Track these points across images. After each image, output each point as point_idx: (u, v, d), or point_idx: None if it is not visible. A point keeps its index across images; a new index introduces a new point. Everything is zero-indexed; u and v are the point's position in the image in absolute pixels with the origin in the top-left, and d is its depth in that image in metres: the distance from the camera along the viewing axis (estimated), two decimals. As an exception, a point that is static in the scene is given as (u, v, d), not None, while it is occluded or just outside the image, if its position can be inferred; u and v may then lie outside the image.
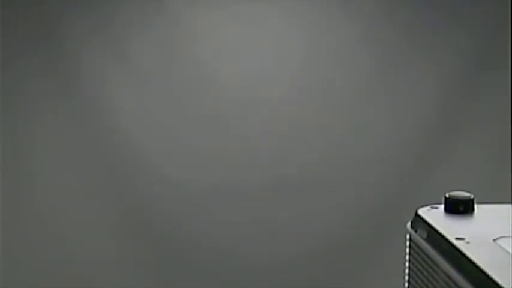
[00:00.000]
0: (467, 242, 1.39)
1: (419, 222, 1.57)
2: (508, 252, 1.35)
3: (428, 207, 1.62)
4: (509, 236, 1.42)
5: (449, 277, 1.37)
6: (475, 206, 1.59)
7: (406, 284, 1.62)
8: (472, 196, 1.59)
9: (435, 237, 1.47)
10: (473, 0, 3.67)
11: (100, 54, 3.65)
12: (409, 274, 1.61)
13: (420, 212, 1.60)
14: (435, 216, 1.56)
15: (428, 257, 1.48)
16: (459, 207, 1.57)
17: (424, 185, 3.65)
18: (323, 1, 3.72)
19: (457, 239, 1.41)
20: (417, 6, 3.68)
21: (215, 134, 3.72)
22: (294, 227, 3.74)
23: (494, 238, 1.41)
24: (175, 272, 3.75)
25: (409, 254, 1.60)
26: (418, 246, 1.54)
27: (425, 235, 1.52)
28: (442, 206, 1.60)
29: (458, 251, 1.36)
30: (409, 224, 1.61)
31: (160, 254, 3.75)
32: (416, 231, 1.57)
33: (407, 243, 1.61)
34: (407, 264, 1.61)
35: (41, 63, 3.63)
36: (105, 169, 3.71)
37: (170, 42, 3.68)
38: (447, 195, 1.59)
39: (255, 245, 3.73)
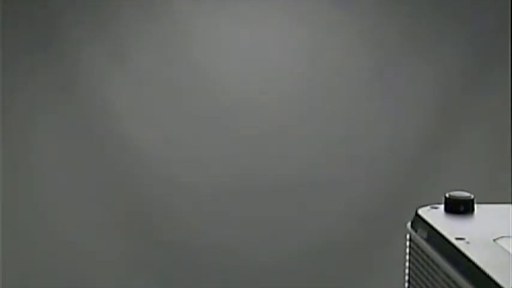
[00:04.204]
0: (467, 242, 1.39)
1: (419, 222, 1.57)
2: (508, 252, 1.35)
3: (428, 207, 1.62)
4: (509, 236, 1.42)
5: (449, 277, 1.37)
6: (475, 206, 1.59)
7: (406, 284, 1.62)
8: (472, 196, 1.59)
9: (435, 237, 1.48)
10: (473, 0, 3.67)
11: (100, 54, 3.65)
12: (409, 274, 1.61)
13: (420, 212, 1.60)
14: (435, 216, 1.57)
15: (428, 257, 1.48)
16: (459, 207, 1.57)
17: (424, 185, 3.65)
18: (323, 1, 3.72)
19: (457, 239, 1.41)
20: (417, 6, 3.68)
21: (215, 134, 3.71)
22: (294, 226, 3.74)
23: (494, 238, 1.41)
24: (176, 271, 3.74)
25: (409, 254, 1.60)
26: (418, 246, 1.54)
27: (425, 235, 1.52)
28: (442, 206, 1.60)
29: (458, 251, 1.36)
30: (409, 224, 1.62)
31: (161, 254, 3.74)
32: (416, 231, 1.57)
33: (407, 243, 1.61)
34: (407, 264, 1.62)
35: (41, 63, 3.63)
36: (105, 169, 3.71)
37: (170, 42, 3.68)
38: (447, 195, 1.59)
39: (255, 245, 3.73)
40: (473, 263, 1.30)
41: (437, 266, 1.43)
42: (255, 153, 3.73)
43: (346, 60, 3.72)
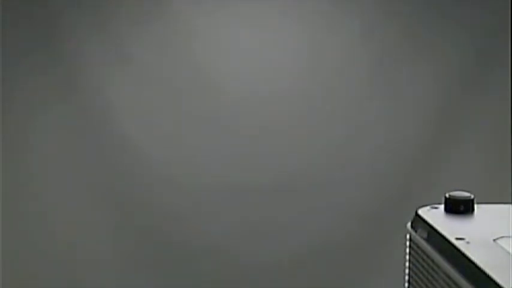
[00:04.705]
0: (467, 242, 1.39)
1: (419, 222, 1.57)
2: (508, 252, 1.35)
3: (428, 207, 1.62)
4: (509, 236, 1.42)
5: (449, 277, 1.37)
6: (475, 206, 1.59)
7: (406, 284, 1.62)
8: (472, 196, 1.59)
9: (435, 237, 1.48)
10: (473, 0, 3.67)
11: (100, 54, 3.65)
12: (409, 274, 1.61)
13: (420, 212, 1.60)
14: (435, 216, 1.56)
15: (428, 257, 1.48)
16: (459, 207, 1.57)
17: (424, 185, 3.65)
18: (323, 1, 3.72)
19: (457, 239, 1.41)
20: (417, 6, 3.68)
21: (215, 134, 3.71)
22: (294, 226, 3.74)
23: (494, 238, 1.41)
24: (176, 271, 3.74)
25: (409, 254, 1.60)
26: (418, 246, 1.54)
27: (425, 235, 1.52)
28: (442, 206, 1.60)
29: (458, 251, 1.36)
30: (409, 224, 1.61)
31: (161, 254, 3.74)
32: (416, 231, 1.57)
33: (407, 243, 1.61)
34: (407, 264, 1.62)
35: (41, 63, 3.63)
36: (105, 169, 3.71)
37: (170, 42, 3.68)
38: (447, 195, 1.59)
39: (255, 245, 3.73)
40: (473, 263, 1.30)
41: (437, 266, 1.43)
42: (255, 153, 3.73)
43: (346, 60, 3.72)
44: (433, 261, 1.45)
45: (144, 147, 3.70)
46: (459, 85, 3.69)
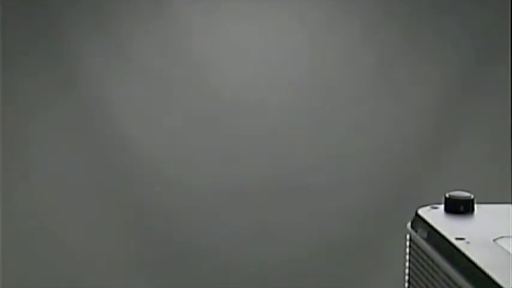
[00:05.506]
0: (467, 242, 1.39)
1: (419, 222, 1.57)
2: (508, 252, 1.35)
3: (428, 207, 1.62)
4: (509, 236, 1.42)
5: (449, 277, 1.37)
6: (475, 206, 1.59)
7: (406, 284, 1.62)
8: (472, 196, 1.59)
9: (435, 237, 1.48)
10: (473, 0, 3.67)
11: (100, 54, 3.65)
12: (409, 274, 1.61)
13: (420, 212, 1.60)
14: (435, 216, 1.56)
15: (428, 257, 1.48)
16: (459, 207, 1.57)
17: (424, 185, 3.65)
18: (323, 1, 3.72)
19: (457, 239, 1.41)
20: (417, 6, 3.68)
21: (215, 134, 3.71)
22: (294, 227, 3.73)
23: (494, 238, 1.41)
24: (176, 272, 3.74)
25: (409, 254, 1.60)
26: (418, 246, 1.54)
27: (425, 235, 1.52)
28: (442, 206, 1.60)
29: (458, 251, 1.36)
30: (409, 224, 1.61)
31: (161, 254, 3.74)
32: (416, 231, 1.57)
33: (407, 243, 1.61)
34: (407, 264, 1.61)
35: (41, 63, 3.63)
36: (105, 169, 3.71)
37: (170, 42, 3.68)
38: (447, 195, 1.59)
39: (255, 245, 3.73)
40: (473, 263, 1.30)
41: (437, 266, 1.43)
42: (255, 153, 3.73)
43: (346, 60, 3.72)
44: (433, 261, 1.45)
45: (144, 147, 3.70)
46: (459, 85, 3.69)
